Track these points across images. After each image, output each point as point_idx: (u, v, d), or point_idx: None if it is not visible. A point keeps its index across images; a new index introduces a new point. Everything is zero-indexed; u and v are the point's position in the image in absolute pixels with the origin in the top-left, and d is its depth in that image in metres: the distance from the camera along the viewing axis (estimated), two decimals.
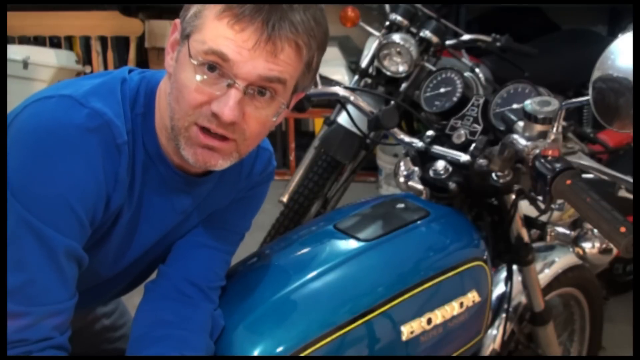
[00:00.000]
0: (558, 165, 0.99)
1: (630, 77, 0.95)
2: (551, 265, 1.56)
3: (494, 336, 1.41)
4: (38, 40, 4.13)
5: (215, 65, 0.87)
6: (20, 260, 0.85)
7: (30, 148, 0.86)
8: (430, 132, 1.31)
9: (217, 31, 0.86)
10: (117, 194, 0.93)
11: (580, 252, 1.34)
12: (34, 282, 0.85)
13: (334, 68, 3.72)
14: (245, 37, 0.86)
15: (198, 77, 0.88)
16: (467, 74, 2.24)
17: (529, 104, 1.11)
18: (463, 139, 1.27)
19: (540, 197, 1.02)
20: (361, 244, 1.12)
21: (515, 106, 1.24)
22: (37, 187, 0.85)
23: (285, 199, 2.54)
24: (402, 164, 1.42)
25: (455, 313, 1.15)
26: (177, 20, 0.94)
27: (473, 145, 1.22)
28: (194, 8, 0.89)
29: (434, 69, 2.20)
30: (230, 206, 1.12)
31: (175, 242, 1.11)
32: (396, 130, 1.32)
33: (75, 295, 0.92)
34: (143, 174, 0.97)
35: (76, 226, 0.88)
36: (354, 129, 1.95)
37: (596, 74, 0.98)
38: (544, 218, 1.33)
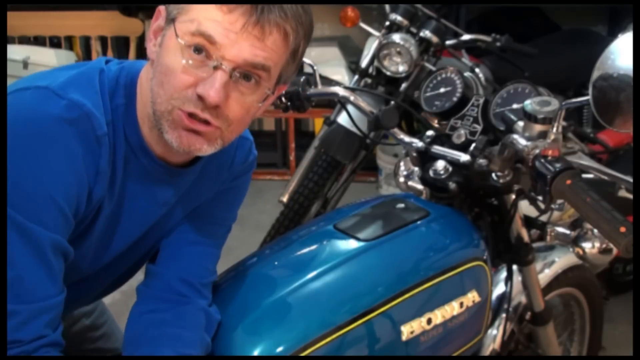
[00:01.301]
0: (558, 165, 0.99)
1: (630, 77, 0.95)
2: (551, 265, 1.56)
3: (494, 336, 1.41)
4: (38, 40, 4.13)
5: (202, 48, 0.87)
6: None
7: (8, 142, 0.84)
8: (430, 132, 1.31)
9: (205, 12, 0.86)
10: (99, 186, 0.91)
11: (580, 252, 1.34)
12: (22, 279, 0.84)
13: (334, 68, 3.72)
14: (233, 19, 0.85)
15: (184, 61, 0.87)
16: (467, 74, 2.24)
17: (529, 104, 1.11)
18: (463, 139, 1.27)
19: (540, 197, 1.02)
20: (361, 244, 1.12)
21: (515, 106, 1.24)
22: (18, 182, 0.83)
23: (285, 199, 2.54)
24: (402, 164, 1.42)
25: (455, 313, 1.15)
26: (161, 7, 0.93)
27: (473, 145, 1.22)
28: None
29: (434, 69, 2.20)
30: (214, 199, 1.12)
31: (160, 238, 1.10)
32: (396, 130, 1.32)
33: (63, 289, 0.90)
34: (124, 165, 0.96)
35: (60, 219, 0.87)
36: (354, 129, 1.95)
37: (596, 73, 0.98)
38: (544, 218, 1.33)
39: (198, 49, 0.87)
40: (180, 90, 0.88)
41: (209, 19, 0.85)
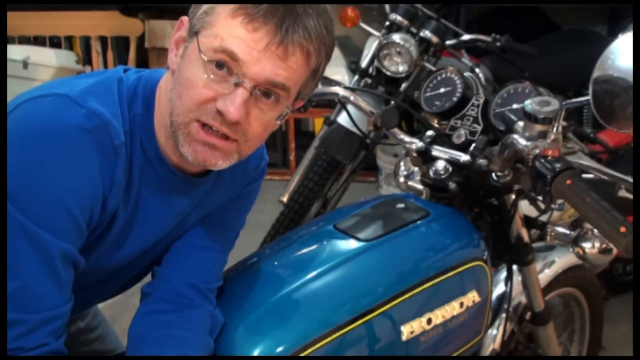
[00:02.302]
0: (558, 165, 0.99)
1: (630, 77, 0.95)
2: (551, 265, 1.56)
3: (494, 336, 1.41)
4: (38, 40, 4.13)
5: (224, 64, 0.87)
6: (14, 265, 0.82)
7: (25, 148, 0.83)
8: (430, 132, 1.31)
9: (229, 29, 0.86)
10: (114, 196, 0.91)
11: (580, 252, 1.34)
12: (29, 288, 0.83)
13: (334, 68, 3.71)
14: (257, 38, 0.85)
15: (205, 75, 0.87)
16: (467, 74, 2.24)
17: (529, 104, 1.11)
18: (463, 139, 1.27)
19: (540, 197, 1.02)
20: (361, 244, 1.12)
21: (515, 106, 1.24)
22: (32, 189, 0.82)
23: (285, 199, 2.54)
24: (402, 164, 1.42)
25: (455, 313, 1.15)
26: (185, 18, 0.93)
27: (473, 145, 1.22)
28: (205, 6, 0.89)
29: (434, 69, 2.20)
30: (226, 205, 1.12)
31: (172, 243, 1.10)
32: (396, 130, 1.32)
33: (71, 299, 0.90)
34: (140, 175, 0.96)
35: (73, 229, 0.86)
36: (354, 129, 1.95)
37: (596, 74, 0.98)
38: (544, 218, 1.33)
39: (220, 65, 0.87)
40: (199, 104, 0.88)
41: (233, 36, 0.85)
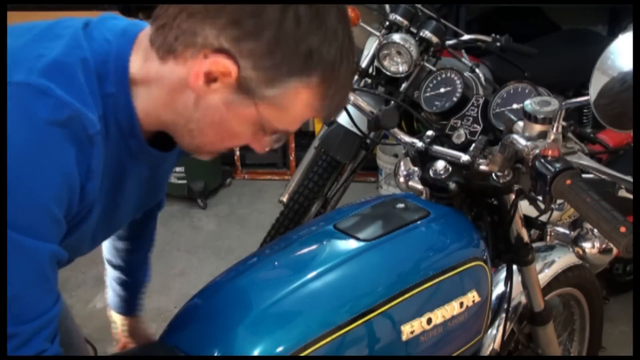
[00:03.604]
0: (558, 165, 0.99)
1: (630, 77, 0.95)
2: (551, 265, 1.56)
3: (494, 336, 1.41)
4: None
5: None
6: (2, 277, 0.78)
7: None
8: (430, 132, 1.31)
9: (306, 105, 0.87)
10: (91, 184, 0.86)
11: (580, 252, 1.34)
12: (21, 299, 0.80)
13: None
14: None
15: (251, 133, 0.90)
16: (467, 74, 2.24)
17: (529, 104, 1.11)
18: (463, 139, 1.27)
19: (540, 197, 1.02)
20: (361, 244, 1.12)
21: (515, 106, 1.24)
22: (10, 197, 0.76)
23: (285, 199, 2.54)
24: (402, 164, 1.42)
25: (455, 313, 1.15)
26: (231, 67, 0.83)
27: (473, 145, 1.22)
28: (271, 71, 0.83)
29: (434, 69, 2.20)
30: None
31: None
32: (396, 130, 1.32)
33: (59, 297, 0.87)
34: (118, 152, 0.92)
35: (55, 227, 0.82)
36: (354, 129, 1.95)
37: (596, 74, 0.98)
38: (544, 218, 1.33)
39: None
40: (234, 145, 0.92)
41: (308, 108, 0.88)
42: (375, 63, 2.35)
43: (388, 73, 2.31)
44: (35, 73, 0.81)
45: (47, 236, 0.81)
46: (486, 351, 1.40)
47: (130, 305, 1.46)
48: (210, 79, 0.84)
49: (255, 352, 0.98)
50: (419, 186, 1.34)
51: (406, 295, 1.08)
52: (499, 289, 1.42)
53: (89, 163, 0.84)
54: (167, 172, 1.16)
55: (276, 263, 1.15)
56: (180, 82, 0.87)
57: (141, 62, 0.89)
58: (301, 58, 0.82)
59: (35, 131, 0.78)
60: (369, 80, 2.43)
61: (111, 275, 1.44)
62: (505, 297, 1.39)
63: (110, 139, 0.90)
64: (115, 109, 0.89)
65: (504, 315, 1.41)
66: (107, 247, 1.40)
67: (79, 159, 0.82)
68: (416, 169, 1.34)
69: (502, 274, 1.39)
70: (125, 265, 1.42)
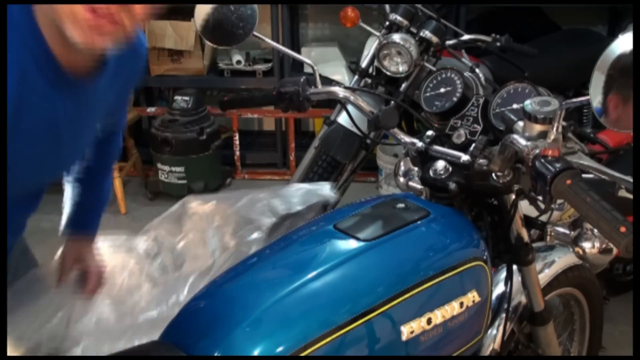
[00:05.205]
0: (558, 165, 0.99)
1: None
2: (551, 265, 1.56)
3: (494, 336, 1.41)
4: None
5: None
6: None
7: None
8: (430, 132, 1.31)
9: None
10: None
11: (580, 252, 1.34)
12: None
13: (334, 68, 3.72)
14: None
15: None
16: (467, 74, 2.24)
17: (529, 104, 1.11)
18: (463, 139, 1.27)
19: (540, 197, 1.02)
20: (361, 244, 1.12)
21: (515, 106, 1.24)
22: None
23: None
24: (402, 164, 1.42)
25: (455, 313, 1.15)
26: None
27: (473, 145, 1.22)
28: None
29: (434, 69, 2.20)
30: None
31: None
32: (396, 130, 1.32)
33: None
34: (20, 82, 0.92)
35: None
36: (354, 129, 1.95)
37: (596, 74, 0.98)
38: (544, 218, 1.33)
39: None
40: None
41: None
42: (375, 63, 2.35)
43: (388, 73, 2.32)
44: None
45: None
46: (486, 351, 1.40)
47: (81, 221, 1.45)
48: None
49: (255, 352, 0.98)
50: (419, 186, 1.34)
51: (406, 295, 1.08)
52: (499, 289, 1.42)
53: None
54: (96, 103, 1.12)
55: (276, 263, 1.15)
56: None
57: None
58: None
59: None
60: (369, 80, 2.44)
61: (67, 194, 1.44)
62: (505, 297, 1.39)
63: (12, 67, 0.90)
64: (25, 33, 0.91)
65: (504, 315, 1.41)
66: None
67: None
68: (416, 169, 1.34)
69: (502, 274, 1.39)
70: (84, 178, 1.41)
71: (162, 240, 1.47)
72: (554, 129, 1.08)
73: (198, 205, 1.47)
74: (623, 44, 0.97)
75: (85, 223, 1.45)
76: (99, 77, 1.05)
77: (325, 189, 1.47)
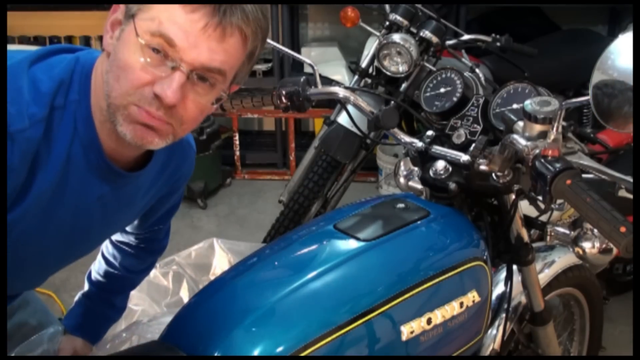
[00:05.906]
0: (558, 165, 0.99)
1: (630, 77, 0.95)
2: (551, 265, 1.56)
3: (494, 336, 1.41)
4: (38, 40, 4.13)
5: (161, 49, 0.87)
6: None
7: None
8: (430, 132, 1.31)
9: (167, 11, 0.86)
10: (10, 181, 0.89)
11: (580, 252, 1.34)
12: None
13: (334, 68, 3.72)
14: (195, 19, 0.86)
15: (142, 59, 0.88)
16: (467, 74, 2.24)
17: (529, 104, 1.11)
18: (463, 139, 1.27)
19: (540, 197, 1.02)
20: (361, 244, 1.12)
21: (515, 106, 1.24)
22: None
23: (285, 199, 2.54)
24: (402, 164, 1.42)
25: (455, 313, 1.15)
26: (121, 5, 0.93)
27: (473, 145, 1.22)
28: None
29: (434, 69, 2.20)
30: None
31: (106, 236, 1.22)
32: (396, 130, 1.32)
33: None
34: (66, 163, 0.96)
35: None
36: (354, 129, 1.95)
37: (596, 74, 0.98)
38: (544, 218, 1.33)
39: (157, 50, 0.87)
40: (137, 87, 0.89)
41: (171, 20, 0.86)
42: (375, 63, 2.35)
43: (388, 73, 2.32)
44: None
45: None
46: (486, 351, 1.40)
47: (86, 328, 1.44)
48: (114, 27, 0.93)
49: (255, 352, 0.98)
50: (419, 186, 1.34)
51: (406, 295, 1.08)
52: (499, 289, 1.42)
53: (10, 161, 0.87)
54: (135, 195, 1.14)
55: (276, 263, 1.15)
56: (102, 61, 0.96)
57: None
58: None
59: None
60: (369, 80, 2.44)
61: (85, 292, 1.45)
62: (505, 297, 1.39)
63: (59, 146, 0.93)
64: (78, 116, 0.95)
65: (504, 315, 1.41)
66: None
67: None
68: (416, 169, 1.34)
69: (502, 274, 1.39)
70: (106, 280, 1.43)
71: None
72: (554, 129, 1.08)
73: None
74: (623, 44, 0.97)
75: (90, 333, 1.46)
76: (143, 172, 1.07)
77: None
